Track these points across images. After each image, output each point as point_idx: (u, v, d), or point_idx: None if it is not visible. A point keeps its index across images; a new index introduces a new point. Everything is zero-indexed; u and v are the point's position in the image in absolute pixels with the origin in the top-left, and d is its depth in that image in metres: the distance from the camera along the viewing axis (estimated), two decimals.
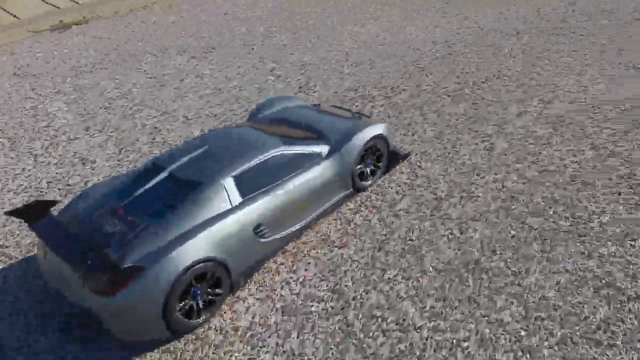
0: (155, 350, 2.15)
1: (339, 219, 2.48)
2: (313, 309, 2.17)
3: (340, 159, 2.40)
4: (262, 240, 2.17)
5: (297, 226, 2.31)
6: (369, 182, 2.62)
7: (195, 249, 1.98)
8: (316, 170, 2.35)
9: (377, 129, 2.55)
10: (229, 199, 2.10)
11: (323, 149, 2.43)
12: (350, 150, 2.43)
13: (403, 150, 2.85)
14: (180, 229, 2.02)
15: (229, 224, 2.07)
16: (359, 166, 2.51)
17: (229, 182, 2.12)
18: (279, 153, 2.31)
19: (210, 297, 2.08)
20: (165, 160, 2.30)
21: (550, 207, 2.95)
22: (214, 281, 2.08)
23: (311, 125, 2.62)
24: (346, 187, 2.48)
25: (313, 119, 2.71)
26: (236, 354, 2.09)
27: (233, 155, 2.24)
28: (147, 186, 2.15)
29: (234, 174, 2.17)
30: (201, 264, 2.00)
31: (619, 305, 2.27)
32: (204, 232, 2.01)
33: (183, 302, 2.04)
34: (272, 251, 2.25)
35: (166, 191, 2.13)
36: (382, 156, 2.61)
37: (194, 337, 2.13)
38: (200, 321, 2.14)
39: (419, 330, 2.13)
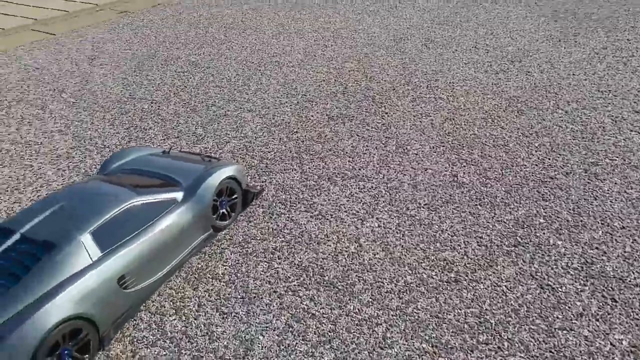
0: None
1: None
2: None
3: (195, 203, 2.51)
4: (127, 291, 2.17)
5: (162, 273, 2.34)
6: (226, 222, 2.69)
7: (57, 310, 1.99)
8: (173, 216, 2.43)
9: (228, 171, 2.69)
10: (89, 255, 2.15)
11: (177, 195, 2.54)
12: (203, 194, 2.55)
13: (255, 187, 2.93)
14: (41, 291, 2.04)
15: (91, 279, 2.08)
16: (215, 208, 2.64)
17: (86, 238, 2.17)
18: (133, 203, 2.37)
19: (79, 355, 2.08)
20: (17, 223, 2.30)
21: None
22: (83, 339, 2.07)
23: (162, 172, 2.72)
24: (205, 229, 2.57)
25: (164, 166, 2.81)
26: None
27: (88, 211, 2.31)
28: (2, 249, 2.18)
29: (91, 229, 2.21)
30: (65, 324, 2.00)
31: None
32: (66, 291, 2.03)
33: None
34: (139, 300, 2.27)
35: (24, 253, 2.16)
36: (236, 196, 2.73)
37: None
38: None
39: None
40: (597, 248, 2.39)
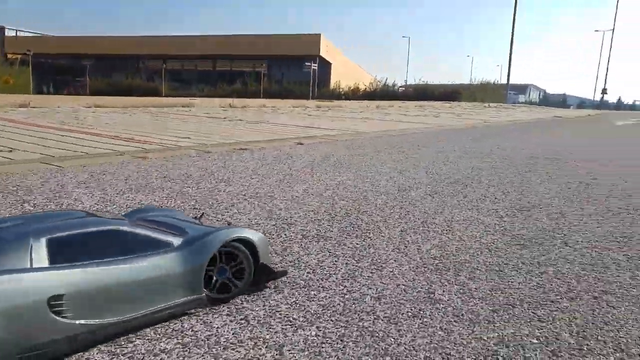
0: None
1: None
2: None
3: (190, 254, 1.95)
4: (57, 317, 1.57)
5: (118, 319, 1.74)
6: (223, 295, 2.10)
7: None
8: (157, 259, 1.88)
9: (243, 232, 2.11)
10: (30, 260, 1.62)
11: (175, 241, 2.00)
12: (202, 247, 1.97)
13: (276, 267, 2.36)
14: None
15: (15, 281, 1.52)
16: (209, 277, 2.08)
17: (38, 244, 1.66)
18: (117, 228, 1.87)
19: None
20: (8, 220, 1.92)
21: None
22: None
23: (175, 224, 2.20)
24: (194, 291, 1.99)
25: (182, 220, 2.33)
26: None
27: (61, 224, 1.82)
28: None
29: (49, 237, 1.71)
30: None
31: None
32: None
33: None
34: (69, 340, 1.64)
35: None
36: (243, 268, 2.14)
37: None
38: None
39: None
40: None
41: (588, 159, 7.72)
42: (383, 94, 44.61)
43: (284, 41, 48.27)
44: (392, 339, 1.94)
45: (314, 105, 24.37)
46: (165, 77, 42.16)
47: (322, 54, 48.09)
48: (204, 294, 2.03)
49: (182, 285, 1.94)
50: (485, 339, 1.95)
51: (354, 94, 44.08)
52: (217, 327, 1.98)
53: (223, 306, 2.13)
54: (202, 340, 1.88)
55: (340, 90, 45.14)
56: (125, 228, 1.90)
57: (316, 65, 43.20)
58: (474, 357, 1.82)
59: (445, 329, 2.04)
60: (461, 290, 2.41)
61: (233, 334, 1.93)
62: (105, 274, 1.71)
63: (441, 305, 2.24)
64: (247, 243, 2.11)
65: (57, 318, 1.57)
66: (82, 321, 1.65)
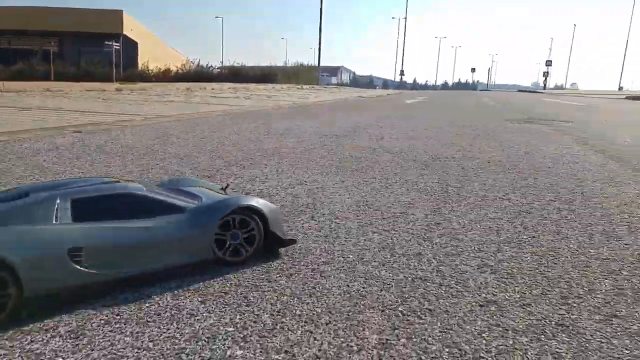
0: None
1: None
2: None
3: (199, 219, 2.11)
4: (75, 266, 1.81)
5: (128, 271, 1.96)
6: (235, 259, 2.19)
7: None
8: (167, 221, 2.07)
9: (252, 201, 2.22)
10: (56, 217, 1.86)
11: (188, 207, 2.16)
12: (211, 213, 2.13)
13: (286, 235, 2.38)
14: None
15: (41, 233, 1.76)
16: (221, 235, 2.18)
17: (64, 204, 1.91)
18: (133, 193, 2.10)
19: None
20: (42, 186, 2.12)
21: None
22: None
23: (193, 192, 2.38)
24: (204, 253, 2.12)
25: (203, 187, 2.52)
26: None
27: (85, 188, 2.07)
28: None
29: (74, 198, 1.96)
30: None
31: None
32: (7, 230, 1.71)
33: None
34: (84, 286, 1.85)
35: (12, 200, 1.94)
36: (254, 234, 2.23)
37: None
38: None
39: None
40: None
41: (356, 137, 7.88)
42: (197, 75, 42.68)
43: (80, 16, 42.65)
44: None
45: (114, 89, 21.81)
46: None
47: (127, 32, 43.89)
48: (212, 255, 2.13)
49: (190, 246, 2.08)
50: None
51: (165, 76, 41.24)
52: None
53: None
54: None
55: (150, 71, 41.79)
56: (140, 193, 2.11)
57: (119, 44, 39.18)
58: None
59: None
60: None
61: None
62: (120, 232, 1.94)
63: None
64: (259, 212, 2.23)
65: (76, 266, 1.80)
66: (97, 271, 1.85)
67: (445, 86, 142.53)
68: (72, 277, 1.79)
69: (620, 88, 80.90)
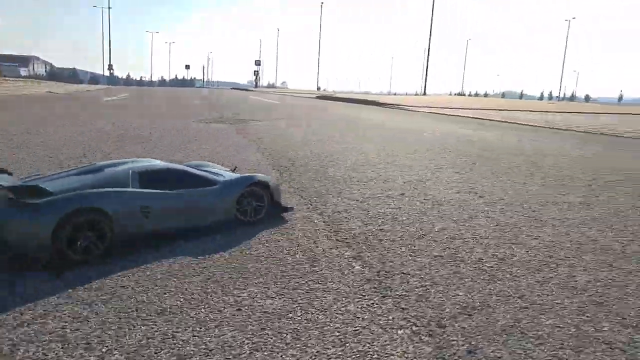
0: None
1: None
2: None
3: (227, 190, 2.88)
4: (144, 218, 2.50)
5: (176, 225, 2.67)
6: (248, 219, 2.96)
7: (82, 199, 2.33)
8: (207, 191, 2.82)
9: (262, 177, 3.05)
10: (130, 184, 2.61)
11: (218, 180, 2.95)
12: (235, 185, 2.92)
13: (287, 204, 3.27)
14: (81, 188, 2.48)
15: (123, 193, 2.47)
16: (240, 204, 2.95)
17: (134, 174, 2.68)
18: (179, 169, 2.93)
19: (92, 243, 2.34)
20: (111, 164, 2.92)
21: None
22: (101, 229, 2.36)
23: (219, 172, 3.24)
24: (228, 214, 2.88)
25: (224, 170, 3.41)
26: None
27: (148, 165, 2.85)
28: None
29: (140, 171, 2.72)
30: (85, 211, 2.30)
31: None
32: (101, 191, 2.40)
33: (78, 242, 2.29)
34: (153, 235, 2.56)
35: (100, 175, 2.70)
36: (263, 200, 3.02)
37: None
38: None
39: None
40: None
41: None
42: None
43: None
44: None
45: None
46: None
47: None
48: (234, 216, 2.91)
49: (221, 209, 2.86)
50: None
51: None
52: None
53: None
54: None
55: None
56: (182, 169, 2.98)
57: None
58: None
59: None
60: None
61: None
62: (174, 197, 2.67)
63: None
64: (267, 186, 3.04)
65: (144, 218, 2.51)
66: (159, 223, 2.58)
67: (162, 83, 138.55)
68: (143, 226, 2.50)
69: (319, 88, 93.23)
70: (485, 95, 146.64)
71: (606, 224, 3.25)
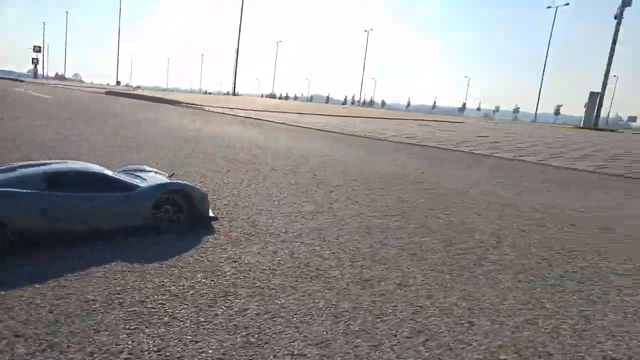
0: None
1: None
2: None
3: (140, 195, 2.76)
4: (44, 219, 2.46)
5: (79, 227, 2.59)
6: (164, 226, 2.85)
7: None
8: (114, 196, 2.70)
9: (181, 185, 2.94)
10: (37, 185, 2.52)
11: (138, 186, 2.82)
12: (152, 191, 2.80)
13: (212, 214, 3.17)
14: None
15: (22, 194, 2.43)
16: (158, 211, 2.86)
17: (43, 175, 2.59)
18: (97, 172, 2.77)
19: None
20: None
21: None
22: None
23: (142, 177, 3.08)
24: (145, 219, 2.78)
25: (150, 174, 3.24)
26: None
27: (59, 168, 2.73)
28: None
29: (50, 173, 2.62)
30: None
31: None
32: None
33: None
34: (45, 233, 2.52)
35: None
36: (182, 209, 2.93)
37: None
38: None
39: None
40: None
41: None
42: None
43: None
44: None
45: None
46: None
47: None
48: (151, 221, 2.79)
49: (134, 215, 2.73)
50: None
51: None
52: None
53: None
54: None
55: None
56: (106, 173, 2.81)
57: None
58: None
59: None
60: None
61: None
62: (79, 200, 2.58)
63: None
64: (186, 195, 2.92)
65: (44, 220, 2.48)
66: (60, 225, 2.53)
67: None
68: (42, 226, 2.47)
69: (118, 82, 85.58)
70: (295, 98, 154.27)
71: None
